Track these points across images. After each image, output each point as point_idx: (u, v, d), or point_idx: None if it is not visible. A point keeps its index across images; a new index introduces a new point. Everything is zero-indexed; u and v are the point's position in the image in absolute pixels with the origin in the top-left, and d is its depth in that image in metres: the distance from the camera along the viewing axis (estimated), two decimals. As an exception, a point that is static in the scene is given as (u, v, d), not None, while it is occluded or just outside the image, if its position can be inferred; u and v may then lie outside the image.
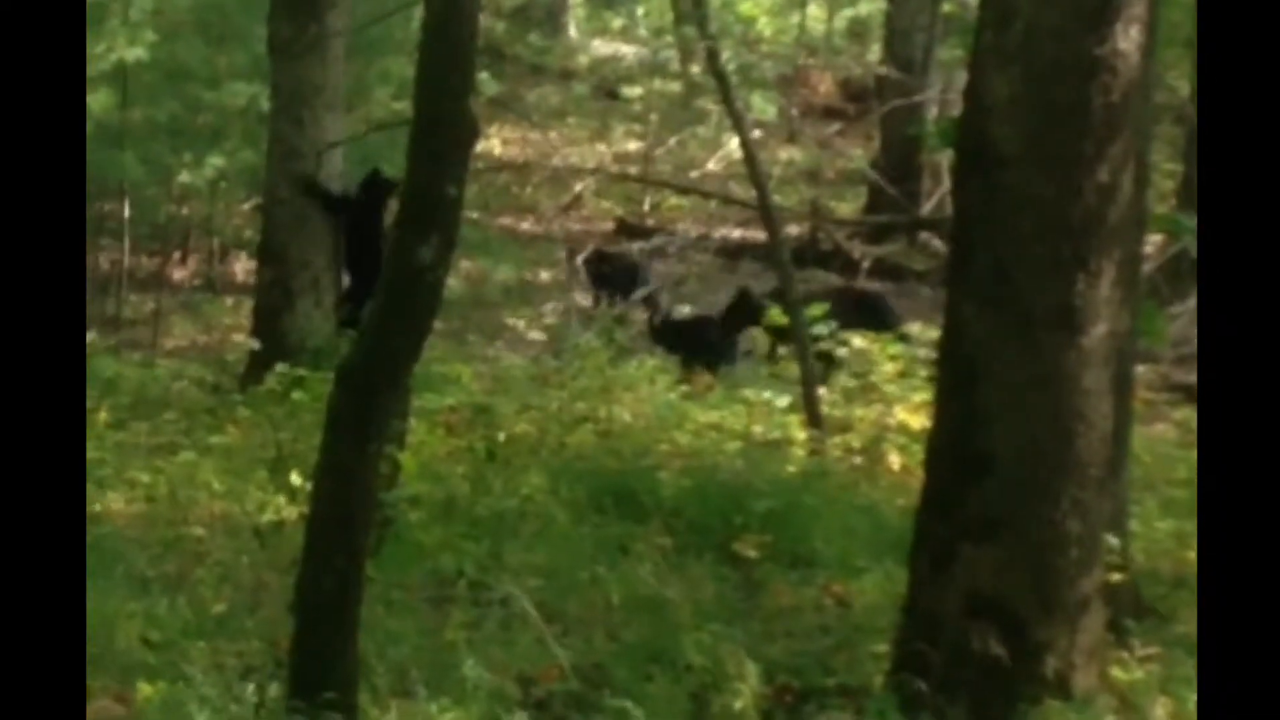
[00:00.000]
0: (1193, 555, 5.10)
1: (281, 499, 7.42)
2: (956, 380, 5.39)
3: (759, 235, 13.38)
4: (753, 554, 6.90)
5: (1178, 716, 5.24)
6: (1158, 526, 7.17)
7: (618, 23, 24.34)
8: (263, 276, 10.86)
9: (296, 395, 8.57)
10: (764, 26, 23.01)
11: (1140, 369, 7.17)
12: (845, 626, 6.17)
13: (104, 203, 13.95)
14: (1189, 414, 9.19)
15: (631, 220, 17.98)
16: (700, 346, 11.93)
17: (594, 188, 18.59)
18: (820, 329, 9.30)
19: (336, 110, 10.69)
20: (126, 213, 13.91)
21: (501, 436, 8.22)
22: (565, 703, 5.50)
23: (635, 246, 16.21)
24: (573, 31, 24.16)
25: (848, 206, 19.02)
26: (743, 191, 15.94)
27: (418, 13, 9.04)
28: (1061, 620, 5.25)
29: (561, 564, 6.74)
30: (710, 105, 19.29)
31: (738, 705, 5.36)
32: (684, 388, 10.01)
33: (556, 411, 8.77)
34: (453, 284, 7.67)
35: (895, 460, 8.31)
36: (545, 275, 15.98)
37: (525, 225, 18.10)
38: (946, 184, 14.79)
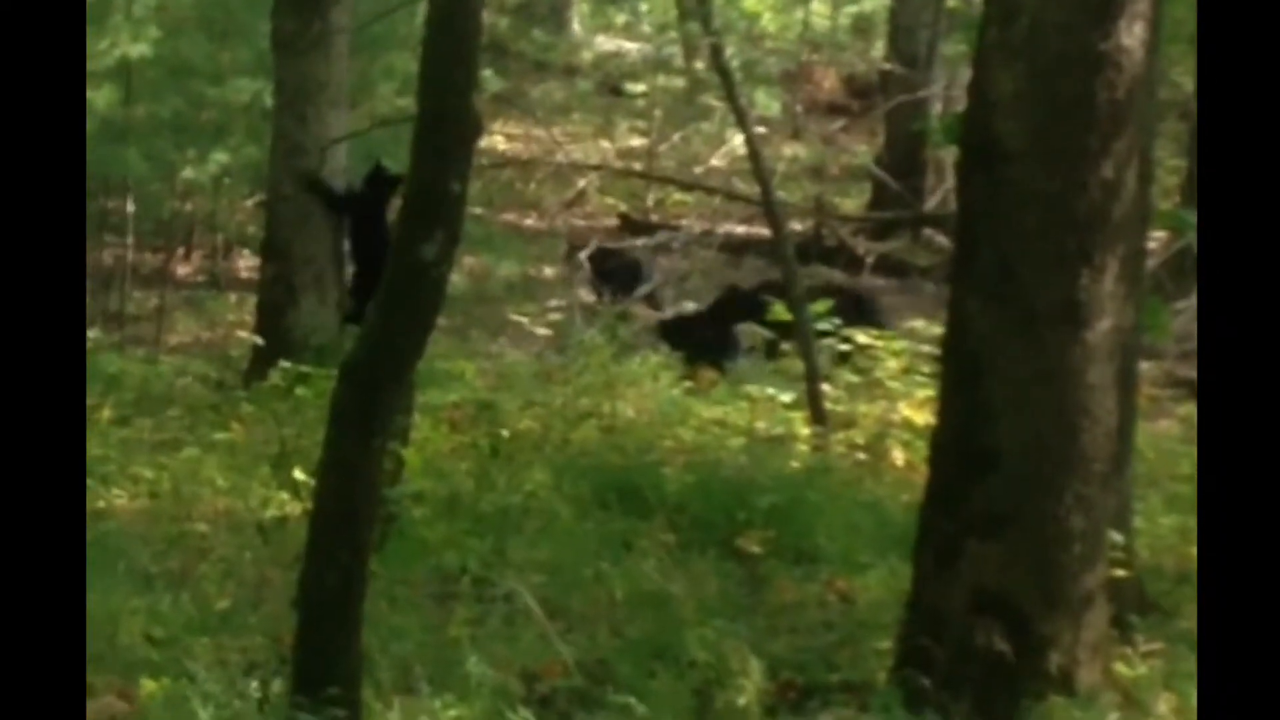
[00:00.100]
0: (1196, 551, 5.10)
1: (285, 495, 7.42)
2: (961, 376, 5.39)
3: (763, 231, 13.36)
4: (756, 550, 6.90)
5: (1181, 712, 5.23)
6: (1162, 522, 7.17)
7: (621, 19, 24.32)
8: (266, 272, 10.85)
9: (300, 391, 8.57)
10: (768, 22, 23.00)
11: (1144, 364, 7.15)
12: (849, 622, 6.17)
13: (107, 199, 13.93)
14: (1193, 409, 9.15)
15: (635, 216, 17.96)
16: (704, 343, 11.92)
17: (598, 184, 18.57)
18: (824, 325, 9.29)
19: (340, 106, 10.68)
20: (130, 209, 13.89)
21: (505, 433, 8.22)
22: (569, 699, 5.50)
23: (639, 242, 16.19)
24: (576, 27, 24.14)
25: (852, 202, 19.01)
26: (747, 187, 15.92)
27: (421, 9, 9.04)
28: (1065, 616, 5.25)
29: (565, 560, 6.74)
30: (714, 101, 19.27)
31: (741, 701, 5.36)
32: (687, 384, 10.00)
33: (560, 407, 8.77)
34: (456, 280, 7.67)
35: (899, 456, 8.31)
36: (549, 271, 15.97)
37: (529, 221, 18.08)
38: (950, 180, 14.78)
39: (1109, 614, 5.41)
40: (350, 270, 10.69)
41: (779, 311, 9.34)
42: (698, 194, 18.13)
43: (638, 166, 19.00)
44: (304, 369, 8.75)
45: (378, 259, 10.05)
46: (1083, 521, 5.24)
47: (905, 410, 8.61)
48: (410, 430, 7.10)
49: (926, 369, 8.66)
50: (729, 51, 12.59)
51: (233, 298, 14.83)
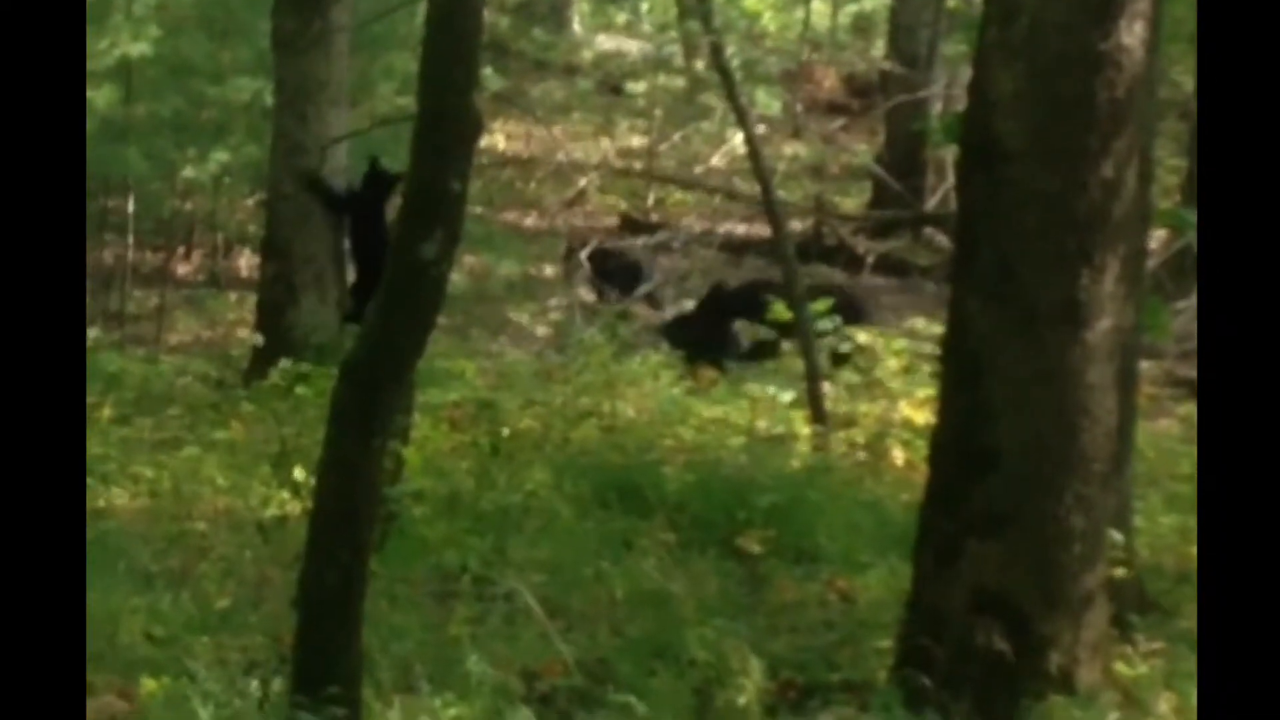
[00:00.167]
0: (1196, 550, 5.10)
1: (285, 494, 7.42)
2: (961, 375, 5.39)
3: (763, 230, 13.38)
4: (757, 549, 6.90)
5: (1181, 712, 5.23)
6: (1162, 522, 7.17)
7: (622, 18, 24.33)
8: (266, 272, 10.85)
9: (300, 390, 8.58)
10: (768, 22, 23.00)
11: (1144, 364, 7.15)
12: (849, 622, 6.17)
13: (108, 198, 13.94)
14: (1193, 409, 9.16)
15: (636, 215, 17.96)
16: (704, 342, 11.92)
17: (598, 183, 18.57)
18: (825, 324, 9.30)
19: (341, 105, 10.68)
20: (131, 208, 13.89)
21: (505, 432, 8.23)
22: (569, 698, 5.50)
23: (639, 242, 16.19)
24: (577, 27, 24.14)
25: (852, 202, 19.00)
26: (747, 187, 15.95)
27: (421, 8, 9.04)
28: (1065, 615, 5.25)
29: (565, 559, 6.74)
30: (714, 100, 19.27)
31: (741, 700, 5.36)
32: (688, 383, 10.01)
33: (560, 407, 8.77)
34: (456, 279, 7.66)
35: (899, 455, 8.31)
36: (549, 270, 15.97)
37: (529, 220, 18.08)
38: (951, 179, 14.78)
39: (1109, 613, 5.41)
40: (351, 269, 10.70)
41: (779, 311, 9.34)
42: (698, 193, 18.14)
43: (638, 166, 19.01)
44: (304, 368, 8.76)
45: (377, 258, 10.12)
46: (1083, 521, 5.24)
47: (905, 410, 8.62)
48: (410, 429, 7.10)
49: (927, 368, 8.66)
50: (729, 51, 12.59)
51: (233, 297, 14.83)
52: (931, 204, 17.43)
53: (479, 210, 15.05)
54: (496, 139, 19.10)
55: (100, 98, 12.61)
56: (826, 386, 8.94)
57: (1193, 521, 4.62)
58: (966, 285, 5.36)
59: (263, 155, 11.66)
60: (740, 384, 9.77)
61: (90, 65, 11.58)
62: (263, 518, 7.31)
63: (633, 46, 22.75)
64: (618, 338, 10.54)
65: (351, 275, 10.71)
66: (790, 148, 20.04)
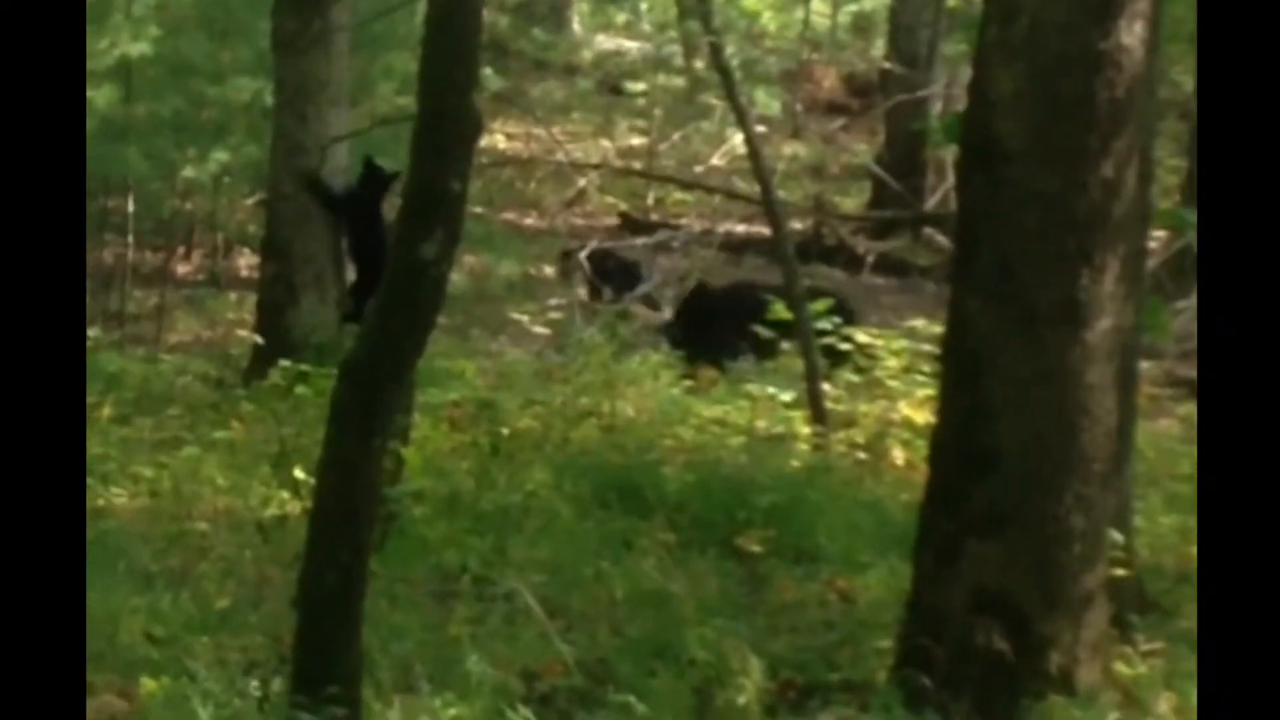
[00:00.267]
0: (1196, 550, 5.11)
1: (285, 494, 7.42)
2: (961, 375, 5.39)
3: (763, 230, 13.35)
4: (756, 549, 6.90)
5: (1181, 711, 5.23)
6: (1162, 521, 7.17)
7: (621, 18, 24.33)
8: (266, 272, 10.85)
9: (300, 390, 8.58)
10: (768, 21, 23.00)
11: (1144, 364, 7.15)
12: (849, 622, 6.17)
13: (108, 198, 13.92)
14: (1193, 409, 9.17)
15: (635, 215, 17.96)
16: (705, 341, 11.90)
17: (598, 183, 18.55)
18: (824, 324, 9.29)
19: (340, 105, 10.68)
20: (130, 208, 13.88)
21: (505, 431, 8.22)
22: (569, 698, 5.50)
23: (639, 241, 16.18)
24: (576, 27, 24.14)
25: (852, 202, 19.00)
26: (747, 187, 15.91)
27: (421, 7, 9.03)
28: (1065, 615, 5.25)
29: (565, 559, 6.74)
30: (714, 100, 19.27)
31: (741, 700, 5.36)
32: (688, 382, 10.00)
33: (560, 406, 8.77)
34: (456, 279, 7.65)
35: (899, 455, 8.31)
36: (549, 270, 15.96)
37: (529, 220, 18.08)
38: (951, 179, 14.77)
39: (1109, 613, 5.41)
40: (350, 269, 10.70)
41: (779, 310, 9.33)
42: (698, 193, 18.12)
43: (638, 165, 18.98)
44: (304, 368, 8.76)
45: (374, 257, 10.15)
46: (1083, 521, 5.24)
47: (905, 409, 8.61)
48: (410, 429, 7.10)
49: (927, 368, 8.66)
50: (729, 50, 12.58)
51: (233, 296, 14.82)
52: (931, 204, 17.42)
53: (479, 210, 15.04)
54: (496, 139, 19.10)
55: (100, 97, 12.60)
56: (826, 386, 8.93)
57: (1193, 521, 4.62)
58: (966, 285, 5.36)
59: (263, 155, 11.65)
60: (740, 384, 9.76)
61: (90, 65, 11.58)
62: (262, 517, 7.31)
63: (632, 46, 22.75)
64: (617, 337, 10.54)
65: (351, 275, 10.71)
66: (790, 148, 20.03)
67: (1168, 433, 9.29)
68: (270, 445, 7.90)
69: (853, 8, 23.11)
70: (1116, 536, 5.51)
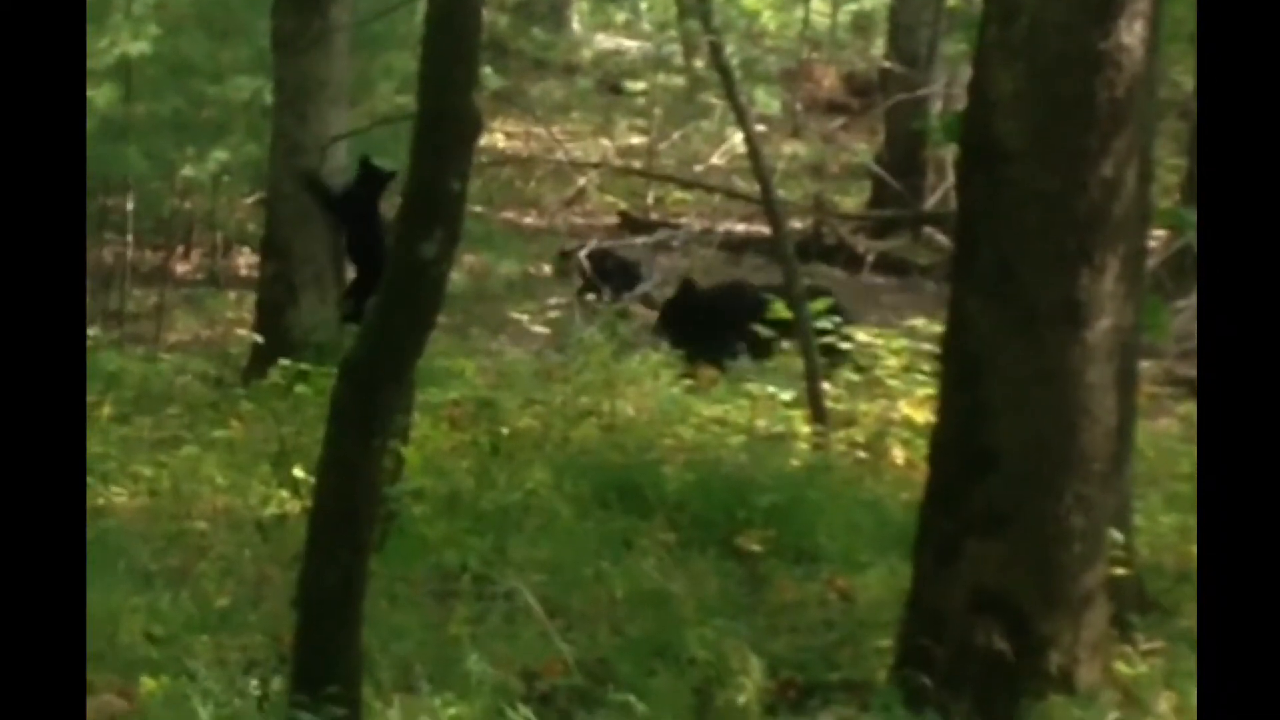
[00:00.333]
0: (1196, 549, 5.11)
1: (284, 493, 7.42)
2: (961, 375, 5.39)
3: (763, 230, 13.35)
4: (756, 549, 6.90)
5: (1181, 711, 5.23)
6: (1162, 521, 7.17)
7: (621, 17, 24.32)
8: (266, 271, 10.85)
9: (300, 389, 8.58)
10: (768, 21, 22.99)
11: (1144, 364, 7.15)
12: (849, 621, 6.17)
13: (107, 197, 13.92)
14: (1193, 408, 9.16)
15: (635, 214, 17.96)
16: (706, 341, 11.89)
17: (597, 182, 18.55)
18: (824, 323, 9.29)
19: (340, 105, 10.68)
20: (130, 207, 13.88)
21: (505, 431, 8.22)
22: (569, 697, 5.50)
23: (639, 241, 16.18)
24: (576, 26, 24.14)
25: (852, 201, 19.00)
26: (747, 186, 15.91)
27: (421, 7, 9.03)
28: (1065, 615, 5.25)
29: (565, 558, 6.74)
30: (714, 100, 19.27)
31: (741, 700, 5.36)
32: (687, 382, 10.00)
33: (560, 406, 8.76)
34: (456, 278, 7.65)
35: (899, 455, 8.31)
36: (548, 269, 15.97)
37: (529, 219, 18.07)
38: (950, 179, 14.79)
39: (1109, 613, 5.41)
40: (350, 269, 10.70)
41: (778, 310, 9.33)
42: (698, 192, 18.12)
43: (637, 165, 18.98)
44: (304, 367, 8.76)
45: (373, 256, 10.15)
46: (1082, 521, 5.24)
47: (905, 409, 8.61)
48: (410, 428, 7.09)
49: (927, 367, 8.66)
50: (729, 49, 12.58)
51: (232, 296, 14.81)
52: (931, 203, 17.42)
53: (479, 209, 15.04)
54: (496, 138, 19.09)
55: (100, 97, 12.60)
56: (826, 385, 8.93)
57: (1193, 521, 4.62)
58: (966, 285, 5.37)
59: (262, 154, 11.65)
60: (740, 383, 9.76)
61: (90, 64, 11.57)
62: (262, 517, 7.30)
63: (632, 45, 22.75)
64: (617, 337, 10.54)
65: (351, 274, 10.71)
66: (790, 147, 20.03)
67: (1168, 432, 9.29)
68: (270, 444, 7.90)
69: (853, 7, 23.11)
70: (1116, 536, 5.51)
